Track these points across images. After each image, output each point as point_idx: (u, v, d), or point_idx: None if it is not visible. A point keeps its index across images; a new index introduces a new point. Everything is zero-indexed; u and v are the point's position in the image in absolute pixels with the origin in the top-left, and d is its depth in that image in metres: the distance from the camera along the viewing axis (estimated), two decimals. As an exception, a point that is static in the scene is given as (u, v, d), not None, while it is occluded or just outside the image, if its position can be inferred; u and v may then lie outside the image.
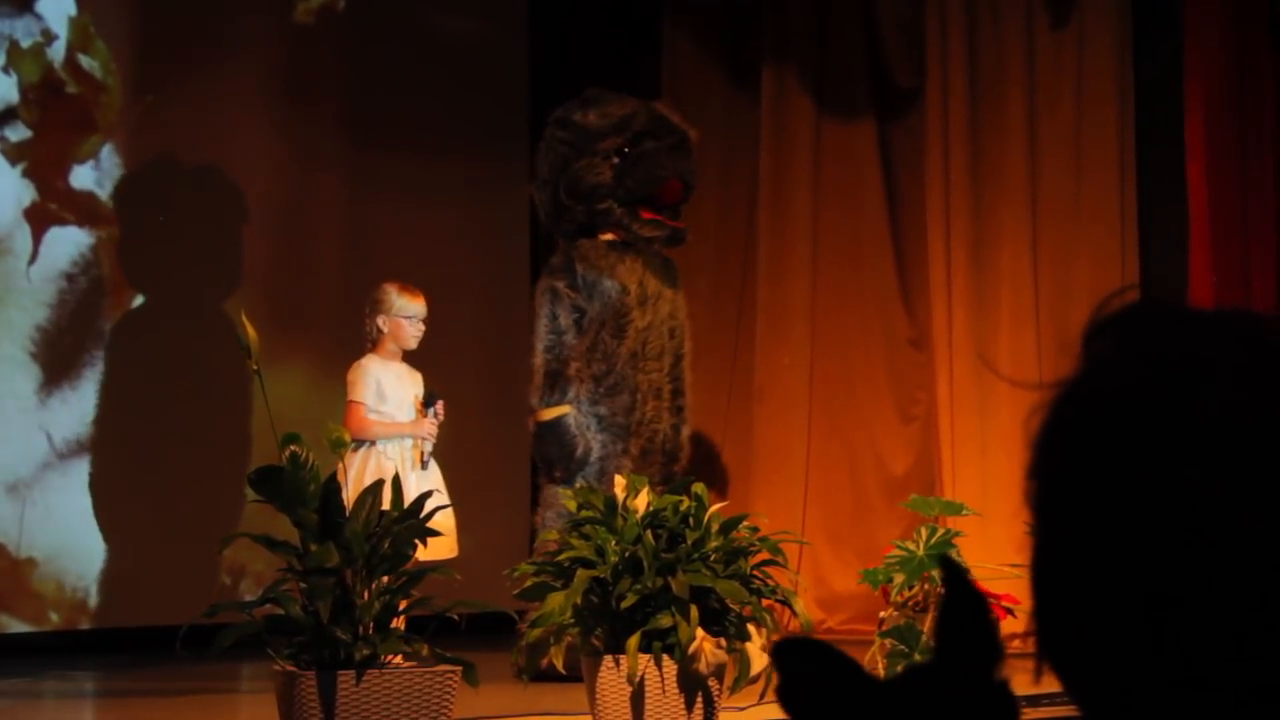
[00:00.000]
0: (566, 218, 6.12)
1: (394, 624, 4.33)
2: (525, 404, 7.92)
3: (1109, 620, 0.80)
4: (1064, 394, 0.85)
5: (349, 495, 4.27)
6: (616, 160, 6.05)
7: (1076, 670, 0.82)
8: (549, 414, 5.98)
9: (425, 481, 5.43)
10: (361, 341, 5.77)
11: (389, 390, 5.59)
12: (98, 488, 7.19)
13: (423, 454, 5.52)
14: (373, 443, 5.52)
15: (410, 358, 5.78)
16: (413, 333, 5.65)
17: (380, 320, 5.64)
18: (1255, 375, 0.81)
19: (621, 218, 6.05)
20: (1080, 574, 0.82)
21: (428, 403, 5.58)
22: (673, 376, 6.15)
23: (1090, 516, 0.81)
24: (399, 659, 4.22)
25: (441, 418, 5.59)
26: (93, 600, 7.18)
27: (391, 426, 5.54)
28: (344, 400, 5.62)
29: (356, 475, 5.22)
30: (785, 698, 0.88)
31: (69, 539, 7.13)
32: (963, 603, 0.86)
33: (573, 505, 4.66)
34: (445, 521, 5.42)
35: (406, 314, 5.63)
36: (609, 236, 6.10)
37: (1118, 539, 0.80)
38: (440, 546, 5.36)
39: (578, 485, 5.83)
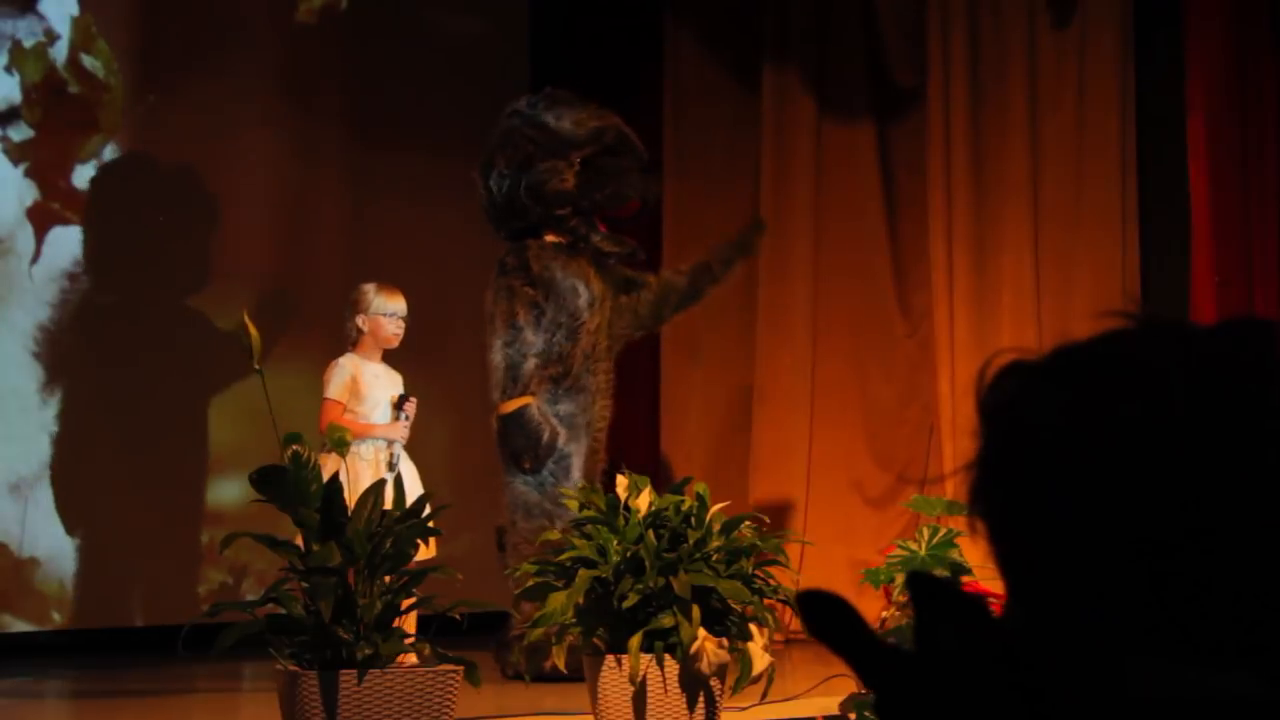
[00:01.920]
0: (518, 215, 6.10)
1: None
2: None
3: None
4: (996, 425, 0.87)
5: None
6: (578, 169, 6.06)
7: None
8: (511, 405, 5.96)
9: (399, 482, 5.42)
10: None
11: (365, 389, 5.57)
12: (100, 487, 7.19)
13: (391, 456, 5.50)
14: None
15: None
16: (393, 330, 5.63)
17: (359, 319, 5.62)
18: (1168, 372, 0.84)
19: (577, 226, 6.08)
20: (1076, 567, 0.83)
21: (399, 405, 5.56)
22: (611, 376, 6.22)
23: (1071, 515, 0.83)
24: (404, 658, 4.23)
25: (411, 418, 5.58)
26: (94, 600, 7.18)
27: (365, 428, 5.52)
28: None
29: (328, 475, 5.18)
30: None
31: (71, 539, 7.13)
32: (949, 612, 0.85)
33: (574, 505, 4.67)
34: None
35: (386, 311, 5.62)
36: (553, 238, 6.10)
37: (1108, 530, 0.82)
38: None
39: (547, 481, 5.86)
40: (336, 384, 5.56)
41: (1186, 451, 0.81)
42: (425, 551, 5.32)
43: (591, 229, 6.10)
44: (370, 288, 5.66)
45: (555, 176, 6.04)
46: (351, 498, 4.27)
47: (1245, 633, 0.79)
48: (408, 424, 5.55)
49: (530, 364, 5.98)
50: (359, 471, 5.27)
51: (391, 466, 5.43)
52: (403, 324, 5.65)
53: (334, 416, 5.47)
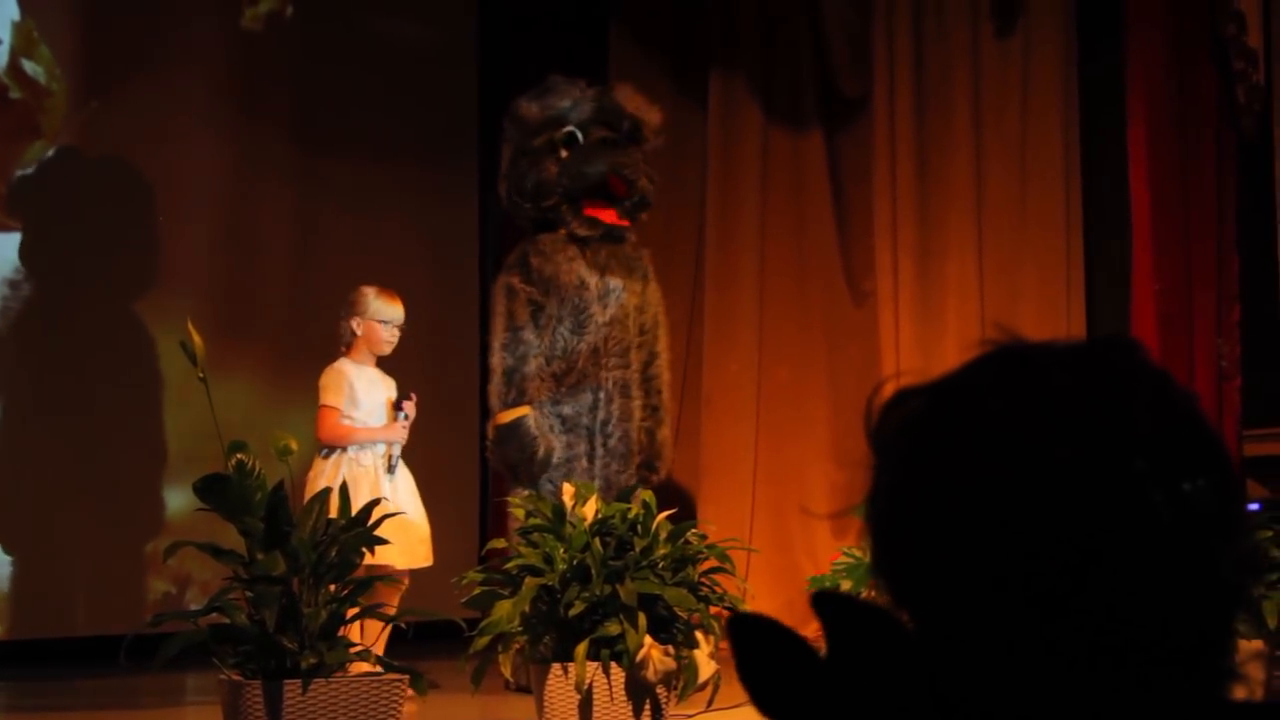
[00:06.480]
0: (520, 213, 5.91)
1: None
2: (474, 411, 7.91)
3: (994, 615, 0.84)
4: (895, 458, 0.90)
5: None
6: (565, 154, 5.79)
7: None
8: (508, 416, 5.78)
9: (399, 486, 5.37)
10: (323, 346, 5.68)
11: (361, 395, 5.47)
12: (39, 495, 7.11)
13: (390, 458, 5.43)
14: (345, 449, 5.42)
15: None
16: (386, 337, 5.52)
17: (354, 322, 5.52)
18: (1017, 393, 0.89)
19: (565, 214, 5.80)
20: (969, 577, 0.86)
21: (398, 405, 5.49)
22: (646, 375, 5.93)
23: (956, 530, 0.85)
24: (354, 667, 4.21)
25: (412, 418, 5.50)
26: (34, 610, 7.10)
27: (365, 432, 5.42)
28: (312, 406, 5.48)
29: (329, 482, 5.09)
30: (743, 674, 0.90)
31: (9, 547, 7.05)
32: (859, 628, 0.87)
33: (520, 513, 4.65)
34: (421, 528, 5.39)
35: (382, 318, 5.52)
36: (566, 231, 5.88)
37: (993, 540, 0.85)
38: (416, 554, 5.33)
39: (545, 489, 5.71)
40: (333, 390, 5.44)
41: (1062, 485, 0.84)
42: (423, 558, 5.32)
43: (576, 216, 5.78)
44: (370, 291, 5.53)
45: (534, 168, 5.78)
46: (354, 505, 4.22)
47: (1125, 645, 0.83)
48: (407, 424, 5.46)
49: (531, 366, 5.75)
50: (357, 478, 5.21)
51: (391, 469, 5.38)
52: (397, 332, 5.54)
53: (331, 423, 5.39)
